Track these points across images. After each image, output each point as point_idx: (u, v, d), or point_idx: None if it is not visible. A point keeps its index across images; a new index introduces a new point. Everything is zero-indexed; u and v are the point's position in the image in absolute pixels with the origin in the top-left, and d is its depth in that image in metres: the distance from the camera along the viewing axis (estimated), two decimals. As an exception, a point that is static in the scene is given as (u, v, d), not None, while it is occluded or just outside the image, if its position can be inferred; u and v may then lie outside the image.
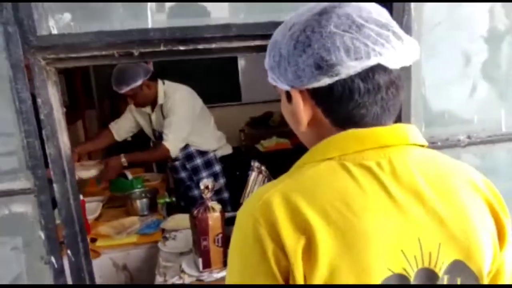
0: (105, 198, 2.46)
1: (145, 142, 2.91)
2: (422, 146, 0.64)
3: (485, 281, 0.61)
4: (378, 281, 0.55)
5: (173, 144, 2.37)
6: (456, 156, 1.19)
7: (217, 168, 2.57)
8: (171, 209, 2.43)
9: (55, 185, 1.01)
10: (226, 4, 1.01)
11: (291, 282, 0.55)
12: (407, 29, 1.06)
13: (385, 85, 0.60)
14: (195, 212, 1.66)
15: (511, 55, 1.18)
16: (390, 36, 0.58)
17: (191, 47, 0.97)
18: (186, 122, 2.40)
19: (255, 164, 1.95)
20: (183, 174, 2.58)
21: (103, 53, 0.95)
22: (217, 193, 2.27)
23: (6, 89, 0.96)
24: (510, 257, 0.64)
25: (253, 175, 1.90)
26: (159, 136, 2.43)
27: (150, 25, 0.95)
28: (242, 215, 0.60)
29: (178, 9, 1.01)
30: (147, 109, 2.50)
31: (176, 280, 1.63)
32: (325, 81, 0.59)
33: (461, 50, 1.17)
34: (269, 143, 3.37)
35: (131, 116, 2.60)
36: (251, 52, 1.02)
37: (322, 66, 0.58)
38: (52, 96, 0.98)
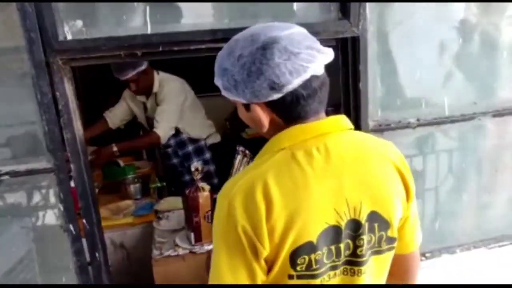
0: (99, 184, 2.61)
1: (136, 131, 3.05)
2: (351, 129, 0.88)
3: (395, 225, 0.86)
4: (318, 231, 0.79)
5: (163, 131, 2.48)
6: (408, 135, 1.44)
7: (207, 155, 2.71)
8: (162, 194, 2.61)
9: (72, 165, 1.20)
10: (212, 11, 1.22)
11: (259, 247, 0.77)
12: (364, 31, 1.28)
13: (319, 87, 0.82)
14: (187, 192, 1.86)
15: (452, 49, 1.41)
16: (316, 54, 0.80)
17: (184, 47, 1.17)
18: (177, 111, 2.52)
19: (240, 148, 2.15)
20: (175, 161, 2.72)
21: (111, 54, 1.14)
22: (207, 178, 2.43)
23: (29, 84, 1.15)
24: (414, 209, 0.92)
25: (238, 158, 2.10)
26: (152, 123, 2.55)
27: (149, 31, 1.15)
28: (220, 198, 0.80)
29: (172, 16, 1.21)
30: (142, 98, 2.62)
31: (171, 253, 1.82)
32: (277, 95, 0.80)
33: (410, 48, 1.40)
34: (252, 131, 3.54)
35: (125, 104, 2.71)
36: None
37: (275, 87, 0.79)
38: (68, 90, 1.17)
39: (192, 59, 1.21)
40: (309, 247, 0.79)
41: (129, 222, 2.23)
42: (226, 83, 0.83)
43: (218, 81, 0.85)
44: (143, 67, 2.41)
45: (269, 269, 0.82)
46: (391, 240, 0.87)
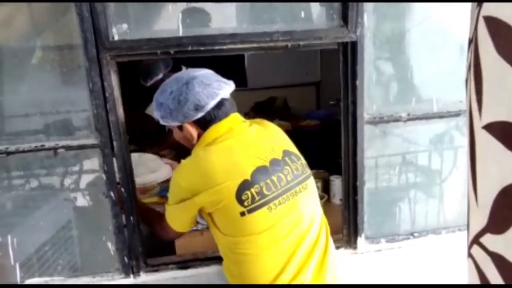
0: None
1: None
2: (245, 121, 1.37)
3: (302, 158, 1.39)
4: (250, 172, 1.21)
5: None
6: (399, 128, 1.64)
7: None
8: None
9: (114, 142, 1.47)
10: (233, 17, 1.46)
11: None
12: (361, 37, 1.50)
13: (227, 104, 1.31)
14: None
15: (438, 51, 1.61)
16: (223, 84, 1.29)
17: (209, 48, 1.42)
18: None
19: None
20: None
21: (150, 51, 1.40)
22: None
23: (83, 75, 1.42)
24: None
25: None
26: None
27: (181, 33, 1.41)
28: (175, 174, 1.33)
29: (200, 21, 1.46)
30: None
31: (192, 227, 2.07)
32: (201, 114, 1.26)
33: (402, 51, 1.61)
34: None
35: None
36: (251, 51, 1.47)
37: (198, 108, 1.25)
38: (113, 80, 1.44)
39: (215, 58, 1.44)
40: (246, 184, 1.19)
41: (154, 201, 2.49)
42: (163, 113, 1.29)
43: (157, 113, 1.31)
44: (160, 75, 2.66)
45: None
46: (306, 167, 1.37)
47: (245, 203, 1.19)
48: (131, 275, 1.59)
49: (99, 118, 1.44)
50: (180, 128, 1.31)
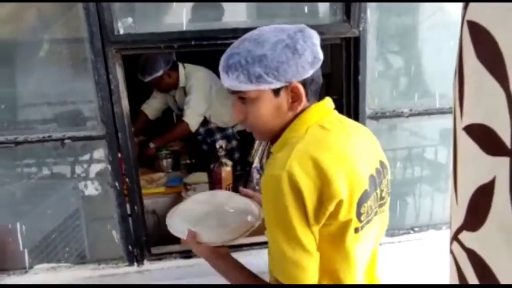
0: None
1: (170, 119, 3.28)
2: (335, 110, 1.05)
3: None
4: (367, 180, 0.91)
5: (191, 119, 2.69)
6: (401, 123, 1.65)
7: (234, 143, 2.92)
8: (190, 169, 2.91)
9: (119, 134, 1.50)
10: (235, 12, 1.48)
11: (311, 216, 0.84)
12: (364, 32, 1.51)
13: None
14: (212, 166, 2.14)
15: (443, 47, 1.61)
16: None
17: (212, 42, 1.44)
18: (204, 99, 2.72)
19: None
20: (204, 147, 2.97)
21: (154, 46, 1.43)
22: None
23: (89, 68, 1.45)
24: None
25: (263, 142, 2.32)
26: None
27: (184, 28, 1.43)
28: (272, 177, 0.84)
29: (203, 16, 1.48)
30: (171, 91, 2.85)
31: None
32: (311, 72, 0.92)
33: (405, 47, 1.61)
34: None
35: (160, 96, 2.95)
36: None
37: (314, 62, 0.91)
38: (119, 73, 1.47)
39: (219, 52, 1.46)
40: (366, 195, 0.90)
41: (161, 192, 2.55)
42: (263, 69, 0.87)
43: (247, 71, 0.87)
44: (160, 72, 2.62)
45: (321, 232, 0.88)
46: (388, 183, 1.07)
47: (362, 218, 0.90)
48: (135, 263, 1.64)
49: (104, 110, 1.48)
50: (277, 93, 0.92)
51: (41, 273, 1.60)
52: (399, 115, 1.63)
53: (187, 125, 2.71)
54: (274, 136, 0.98)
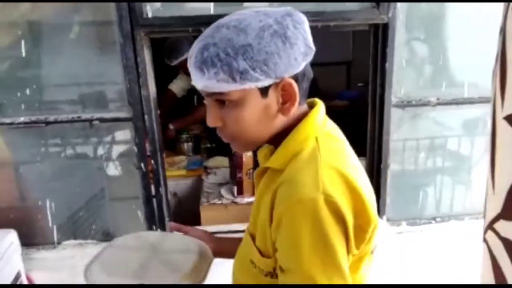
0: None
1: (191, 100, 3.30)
2: None
3: None
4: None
5: None
6: (427, 112, 1.63)
7: None
8: (211, 153, 2.93)
9: (146, 116, 1.53)
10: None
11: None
12: (393, 19, 1.48)
13: None
14: (234, 151, 2.16)
15: (470, 36, 1.57)
16: None
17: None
18: None
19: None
20: None
21: (181, 29, 1.44)
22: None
23: (118, 50, 1.47)
24: None
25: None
26: None
27: (212, 11, 1.43)
28: (306, 201, 0.64)
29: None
30: None
31: (216, 201, 2.14)
32: (303, 65, 0.72)
33: (434, 35, 1.58)
34: None
35: (185, 77, 2.93)
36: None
37: (308, 52, 0.71)
38: (146, 56, 1.48)
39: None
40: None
41: (182, 174, 2.58)
42: (249, 63, 0.67)
43: (229, 67, 0.67)
44: (185, 56, 2.60)
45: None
46: None
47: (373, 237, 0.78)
48: (159, 243, 1.68)
49: (132, 93, 1.50)
50: (265, 92, 0.71)
51: (68, 249, 1.65)
52: (426, 104, 1.61)
53: None
54: (258, 147, 0.80)
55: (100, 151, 1.64)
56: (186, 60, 2.82)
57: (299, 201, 0.65)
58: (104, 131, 1.59)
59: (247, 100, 0.71)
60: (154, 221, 1.65)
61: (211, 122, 0.76)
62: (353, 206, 0.68)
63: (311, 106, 0.79)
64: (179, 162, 2.70)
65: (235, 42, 0.67)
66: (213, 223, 2.04)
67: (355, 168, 0.73)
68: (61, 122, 1.53)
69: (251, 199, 2.12)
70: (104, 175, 1.67)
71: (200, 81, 0.71)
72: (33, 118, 1.52)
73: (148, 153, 1.59)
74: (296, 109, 0.74)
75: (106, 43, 1.51)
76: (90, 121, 1.54)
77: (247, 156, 2.18)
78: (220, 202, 2.13)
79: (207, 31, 0.71)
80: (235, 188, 2.14)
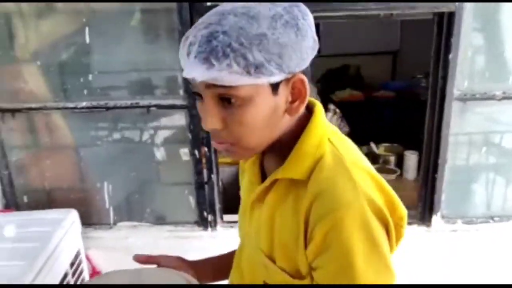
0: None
1: None
2: None
3: None
4: None
5: None
6: (490, 106, 1.55)
7: None
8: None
9: (201, 104, 1.54)
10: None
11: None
12: (460, 8, 1.41)
13: None
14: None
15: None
16: None
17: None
18: None
19: (331, 106, 2.35)
20: None
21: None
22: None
23: (175, 38, 1.49)
24: None
25: (329, 115, 2.32)
26: None
27: None
28: (350, 208, 0.60)
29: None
30: None
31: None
32: (309, 60, 0.65)
33: (504, 26, 1.48)
34: (343, 94, 3.60)
35: None
36: (341, 20, 1.45)
37: (314, 47, 0.65)
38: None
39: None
40: None
41: (227, 162, 2.60)
42: (264, 55, 0.59)
43: (245, 59, 0.58)
44: None
45: None
46: None
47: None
48: (209, 228, 1.71)
49: (188, 80, 1.52)
50: (276, 89, 0.63)
51: (123, 230, 1.72)
52: (491, 97, 1.53)
53: None
54: (257, 153, 0.71)
55: (155, 137, 1.69)
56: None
57: (345, 212, 0.60)
58: (160, 117, 1.62)
59: (257, 97, 0.62)
60: (205, 207, 1.68)
61: (211, 123, 0.63)
62: (386, 204, 0.65)
63: (308, 106, 0.71)
64: (225, 149, 2.72)
65: (249, 30, 0.59)
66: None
67: (372, 169, 0.68)
68: (120, 107, 1.58)
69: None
70: (158, 160, 1.71)
71: (206, 73, 0.60)
72: (94, 103, 1.57)
73: (202, 140, 1.61)
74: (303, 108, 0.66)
75: (165, 31, 1.53)
76: (147, 107, 1.57)
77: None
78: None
79: (211, 18, 0.61)
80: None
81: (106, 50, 1.55)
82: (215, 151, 1.66)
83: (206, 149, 1.62)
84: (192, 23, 1.45)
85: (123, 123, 1.65)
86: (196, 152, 1.61)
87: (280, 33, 0.59)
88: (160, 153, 1.71)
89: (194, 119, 1.56)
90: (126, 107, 1.58)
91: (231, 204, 2.51)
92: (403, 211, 0.67)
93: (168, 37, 1.54)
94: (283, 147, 0.67)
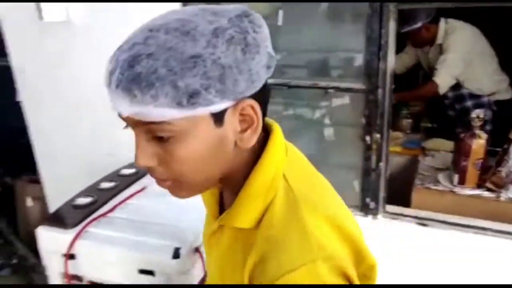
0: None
1: (415, 78, 3.11)
2: None
3: None
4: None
5: (443, 79, 2.45)
6: None
7: (488, 114, 2.51)
8: (430, 133, 2.73)
9: (379, 89, 1.52)
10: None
11: None
12: None
13: None
14: (463, 136, 1.96)
15: None
16: None
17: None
18: (461, 60, 2.43)
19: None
20: (450, 113, 2.68)
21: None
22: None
23: (363, 22, 1.48)
24: None
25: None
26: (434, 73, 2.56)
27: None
28: (307, 269, 0.51)
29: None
30: (425, 47, 2.65)
31: (432, 186, 2.01)
32: (264, 80, 0.57)
33: None
34: None
35: (411, 52, 2.79)
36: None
37: (270, 64, 0.57)
38: (391, 28, 1.45)
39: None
40: None
41: (396, 151, 2.51)
42: (200, 81, 0.49)
43: (174, 87, 0.48)
44: (418, 24, 2.39)
45: None
46: None
47: None
48: (369, 216, 1.70)
49: (370, 65, 1.51)
50: (220, 119, 0.53)
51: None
52: None
53: (436, 86, 2.50)
54: (206, 190, 0.63)
55: (327, 117, 1.74)
56: (418, 29, 2.63)
57: (289, 278, 0.50)
58: (335, 98, 1.66)
59: (195, 130, 0.52)
60: (369, 194, 1.67)
61: (142, 160, 0.54)
62: (350, 255, 0.56)
63: (265, 128, 0.62)
64: (396, 138, 2.62)
65: (180, 52, 0.48)
66: (425, 208, 1.93)
67: (330, 198, 0.63)
68: (300, 87, 1.67)
69: (474, 191, 1.92)
70: (327, 141, 1.76)
71: (129, 108, 0.50)
72: (278, 81, 1.70)
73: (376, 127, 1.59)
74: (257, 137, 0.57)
75: (353, 16, 1.54)
76: (325, 89, 1.63)
77: (478, 144, 1.95)
78: (435, 188, 2.00)
79: (137, 36, 0.51)
80: (456, 176, 1.96)
81: (294, 33, 1.65)
82: (387, 139, 1.62)
83: (378, 135, 1.59)
84: (381, 7, 1.42)
85: (299, 100, 1.75)
86: (368, 138, 1.60)
87: (222, 52, 0.50)
88: (330, 134, 1.75)
89: (371, 104, 1.55)
90: (306, 87, 1.67)
91: (391, 194, 2.45)
92: (372, 260, 0.59)
93: (355, 20, 1.54)
94: (236, 180, 0.60)
